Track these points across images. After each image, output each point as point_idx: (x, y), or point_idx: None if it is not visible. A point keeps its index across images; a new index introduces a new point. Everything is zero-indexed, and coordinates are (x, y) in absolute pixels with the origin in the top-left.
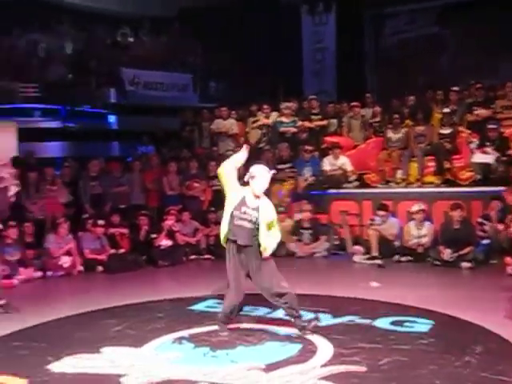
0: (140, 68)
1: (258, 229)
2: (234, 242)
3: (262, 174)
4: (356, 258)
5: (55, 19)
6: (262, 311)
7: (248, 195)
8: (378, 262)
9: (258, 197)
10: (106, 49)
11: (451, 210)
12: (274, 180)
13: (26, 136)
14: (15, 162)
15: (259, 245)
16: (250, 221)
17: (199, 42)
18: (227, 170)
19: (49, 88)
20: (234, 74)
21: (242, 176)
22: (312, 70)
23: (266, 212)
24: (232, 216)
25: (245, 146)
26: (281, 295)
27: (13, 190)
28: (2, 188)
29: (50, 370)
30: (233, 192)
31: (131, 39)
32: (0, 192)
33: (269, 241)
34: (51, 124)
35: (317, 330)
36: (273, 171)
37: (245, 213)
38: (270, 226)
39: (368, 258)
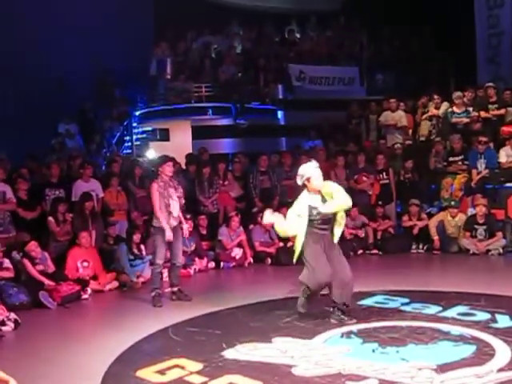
0: (306, 63)
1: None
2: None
3: (314, 172)
4: None
5: (226, 21)
6: (433, 309)
7: (310, 197)
8: None
9: (319, 192)
10: (274, 46)
11: None
12: (445, 173)
13: (199, 133)
14: (190, 158)
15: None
16: (322, 216)
17: (365, 34)
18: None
19: (220, 87)
20: (402, 64)
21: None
22: (487, 57)
23: (328, 200)
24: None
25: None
26: (343, 284)
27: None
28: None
29: (224, 357)
30: (297, 208)
31: (298, 35)
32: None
33: (337, 230)
34: (223, 121)
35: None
36: (316, 163)
37: (313, 215)
38: (331, 195)
39: None
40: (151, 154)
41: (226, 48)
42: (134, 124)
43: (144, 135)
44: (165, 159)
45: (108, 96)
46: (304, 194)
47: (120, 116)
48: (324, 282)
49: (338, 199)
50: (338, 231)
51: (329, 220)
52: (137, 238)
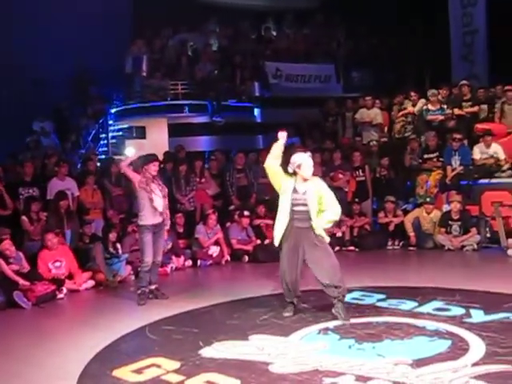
0: (283, 61)
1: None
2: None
3: (305, 160)
4: (511, 252)
5: (202, 18)
6: (409, 305)
7: (297, 184)
8: None
9: (306, 180)
10: (251, 43)
11: None
12: (420, 170)
13: (175, 131)
14: (167, 156)
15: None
16: (304, 204)
17: (342, 32)
18: (271, 163)
19: (197, 84)
20: (378, 62)
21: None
22: (461, 55)
23: (314, 192)
24: (290, 203)
25: (280, 134)
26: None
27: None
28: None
29: (201, 355)
30: (284, 182)
31: (274, 33)
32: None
33: (318, 221)
34: (199, 119)
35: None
36: (309, 153)
37: (296, 199)
38: (321, 203)
39: None
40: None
41: (203, 45)
42: (110, 122)
43: (120, 133)
44: (150, 158)
45: (83, 94)
46: (294, 177)
47: (96, 114)
48: (288, 282)
49: (327, 213)
50: (318, 222)
51: (308, 213)
52: (113, 236)
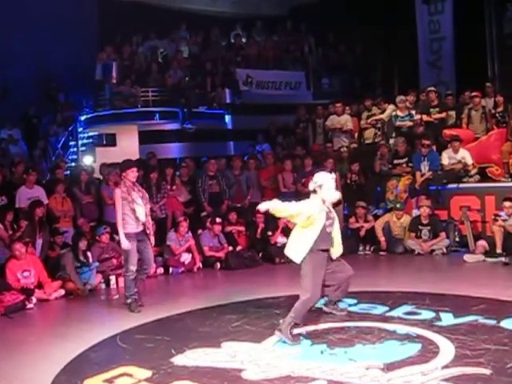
0: (253, 68)
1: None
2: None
3: (328, 181)
4: (467, 258)
5: (172, 25)
6: (380, 309)
7: (322, 205)
8: (503, 259)
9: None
10: (221, 50)
11: None
12: (390, 175)
13: (146, 138)
14: (138, 163)
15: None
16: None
17: (312, 39)
18: (286, 215)
19: (167, 91)
20: (348, 69)
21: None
22: (429, 61)
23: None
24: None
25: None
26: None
27: None
28: None
29: (173, 363)
30: (304, 210)
31: (244, 39)
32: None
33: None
34: (170, 126)
35: (439, 331)
36: (333, 175)
37: (329, 218)
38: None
39: (490, 256)
40: (88, 160)
41: (173, 52)
42: (80, 129)
43: (90, 140)
44: (129, 164)
45: (52, 101)
46: (315, 200)
47: (65, 121)
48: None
49: (339, 246)
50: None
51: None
52: (83, 244)
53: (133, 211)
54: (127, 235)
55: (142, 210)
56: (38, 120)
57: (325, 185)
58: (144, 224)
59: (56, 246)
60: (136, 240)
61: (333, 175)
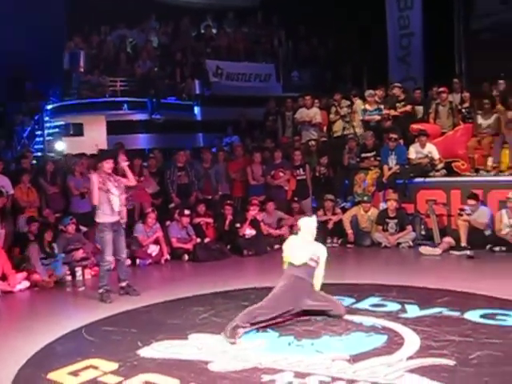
0: (223, 59)
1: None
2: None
3: (305, 224)
4: (423, 250)
5: (142, 14)
6: (347, 301)
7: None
8: (467, 252)
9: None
10: (191, 41)
11: None
12: (358, 169)
13: (114, 128)
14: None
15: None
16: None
17: (283, 31)
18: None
19: (136, 81)
20: (318, 62)
21: None
22: (398, 56)
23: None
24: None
25: None
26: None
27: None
28: None
29: (139, 355)
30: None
31: (215, 31)
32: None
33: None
34: (138, 116)
35: (405, 322)
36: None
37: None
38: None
39: (453, 249)
40: (60, 146)
41: (142, 42)
42: (46, 118)
43: (56, 130)
44: (105, 156)
45: (18, 90)
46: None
47: (31, 110)
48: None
49: (320, 276)
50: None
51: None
52: (48, 236)
53: (108, 201)
54: (103, 225)
55: (116, 200)
56: (4, 109)
57: (302, 226)
58: (119, 214)
59: (31, 234)
60: (112, 230)
61: (314, 217)
